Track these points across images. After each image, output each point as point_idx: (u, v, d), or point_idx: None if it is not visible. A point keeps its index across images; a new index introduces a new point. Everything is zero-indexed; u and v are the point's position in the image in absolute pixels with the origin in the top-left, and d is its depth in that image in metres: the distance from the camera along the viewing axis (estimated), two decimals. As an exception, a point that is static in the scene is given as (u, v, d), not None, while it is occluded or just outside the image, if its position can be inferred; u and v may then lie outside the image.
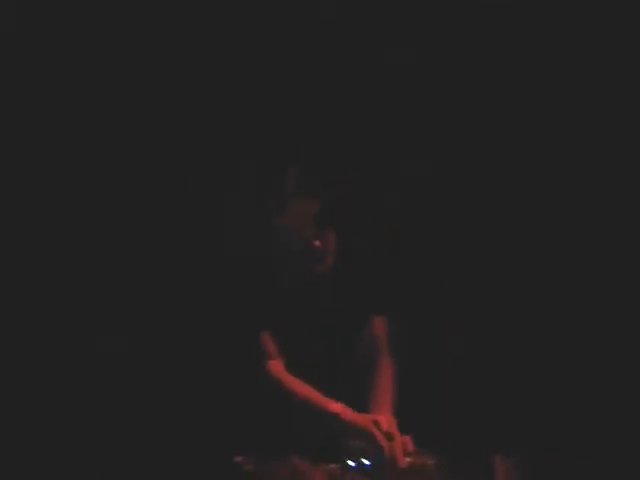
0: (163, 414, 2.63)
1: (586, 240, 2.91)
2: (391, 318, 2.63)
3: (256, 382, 2.40)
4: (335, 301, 2.54)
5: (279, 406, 2.40)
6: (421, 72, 2.93)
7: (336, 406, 2.31)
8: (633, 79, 2.85)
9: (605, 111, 2.88)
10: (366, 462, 2.15)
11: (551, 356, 2.81)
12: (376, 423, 2.23)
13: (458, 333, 2.91)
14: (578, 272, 2.90)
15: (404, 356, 2.62)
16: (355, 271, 2.57)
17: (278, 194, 2.46)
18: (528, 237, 2.95)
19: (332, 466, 2.15)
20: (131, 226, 2.83)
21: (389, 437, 2.20)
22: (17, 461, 2.57)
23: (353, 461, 2.17)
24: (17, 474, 2.54)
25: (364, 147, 2.86)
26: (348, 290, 2.56)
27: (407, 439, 2.22)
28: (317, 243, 2.48)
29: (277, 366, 2.43)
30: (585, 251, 2.91)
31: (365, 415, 2.31)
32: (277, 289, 2.48)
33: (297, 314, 2.50)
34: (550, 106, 2.93)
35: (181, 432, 2.57)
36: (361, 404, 2.40)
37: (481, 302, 2.92)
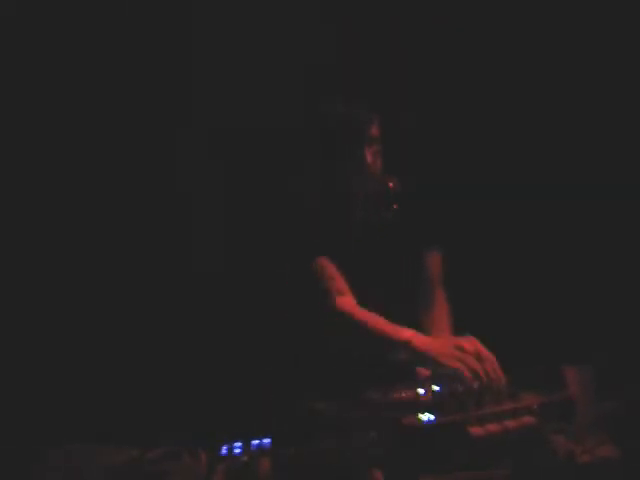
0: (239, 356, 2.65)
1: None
2: (446, 255, 2.64)
3: (322, 321, 2.39)
4: (393, 236, 2.55)
5: (345, 344, 2.39)
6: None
7: (408, 333, 2.26)
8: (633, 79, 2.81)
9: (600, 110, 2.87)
10: (436, 388, 2.14)
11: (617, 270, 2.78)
12: (459, 347, 2.15)
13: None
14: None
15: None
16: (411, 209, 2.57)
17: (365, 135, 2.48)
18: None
19: (404, 394, 2.15)
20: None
21: (478, 359, 2.12)
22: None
23: (423, 388, 2.16)
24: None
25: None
26: (404, 226, 2.56)
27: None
28: (391, 184, 2.50)
29: (349, 301, 2.38)
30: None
31: (443, 339, 2.26)
32: (343, 228, 2.49)
33: (358, 252, 2.52)
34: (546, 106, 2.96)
35: (255, 380, 2.59)
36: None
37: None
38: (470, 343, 2.17)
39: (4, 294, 2.69)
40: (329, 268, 2.43)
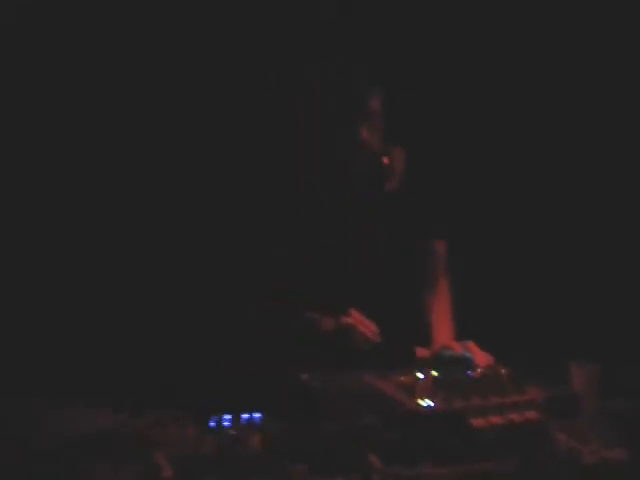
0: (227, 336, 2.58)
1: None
2: (451, 242, 2.56)
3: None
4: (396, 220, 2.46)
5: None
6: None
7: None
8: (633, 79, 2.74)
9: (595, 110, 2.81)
10: (435, 373, 2.07)
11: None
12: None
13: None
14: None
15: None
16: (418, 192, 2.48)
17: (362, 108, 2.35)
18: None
19: (403, 378, 2.08)
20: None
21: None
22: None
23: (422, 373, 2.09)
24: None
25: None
26: (412, 209, 2.47)
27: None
28: (386, 160, 2.40)
29: None
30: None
31: None
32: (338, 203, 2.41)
33: (356, 228, 2.42)
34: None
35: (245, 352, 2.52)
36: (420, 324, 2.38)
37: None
38: None
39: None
40: None
